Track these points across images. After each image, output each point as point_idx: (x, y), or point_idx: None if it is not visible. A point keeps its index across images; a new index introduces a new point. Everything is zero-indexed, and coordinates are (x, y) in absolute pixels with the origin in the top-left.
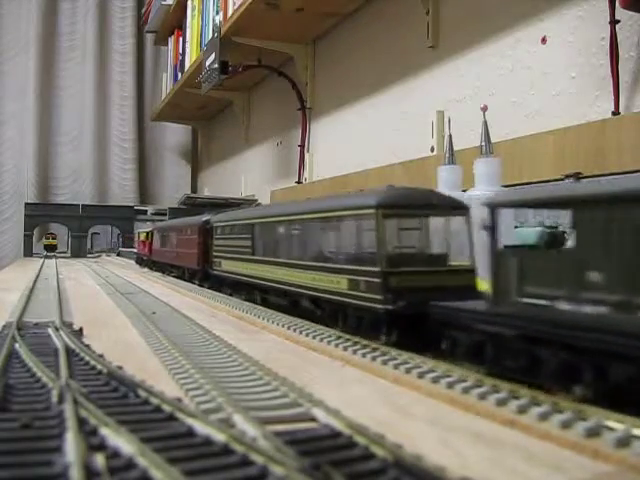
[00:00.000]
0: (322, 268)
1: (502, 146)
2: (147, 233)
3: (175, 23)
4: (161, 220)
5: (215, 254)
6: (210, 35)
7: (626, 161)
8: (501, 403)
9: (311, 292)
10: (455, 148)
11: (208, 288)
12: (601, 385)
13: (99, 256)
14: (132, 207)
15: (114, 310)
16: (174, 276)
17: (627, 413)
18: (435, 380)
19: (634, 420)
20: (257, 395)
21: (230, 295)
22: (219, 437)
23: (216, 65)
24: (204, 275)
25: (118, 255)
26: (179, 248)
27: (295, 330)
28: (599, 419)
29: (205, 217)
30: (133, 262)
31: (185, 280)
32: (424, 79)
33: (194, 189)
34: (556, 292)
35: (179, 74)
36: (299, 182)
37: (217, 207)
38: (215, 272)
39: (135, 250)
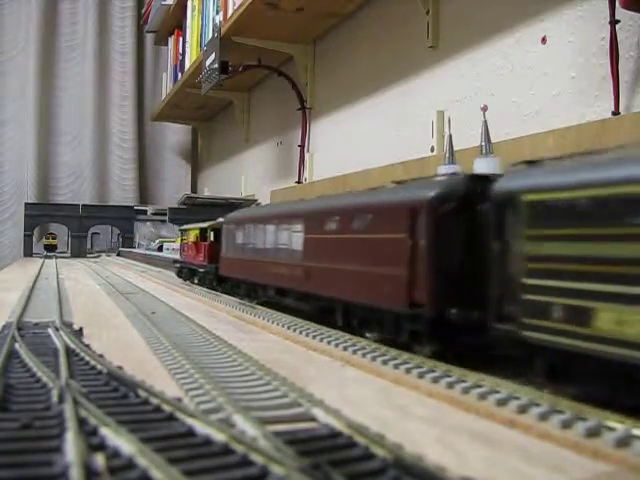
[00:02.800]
0: None
1: (502, 146)
2: (206, 230)
3: (175, 23)
4: (161, 220)
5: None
6: (210, 35)
7: None
8: (501, 403)
9: None
10: (455, 148)
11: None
12: None
13: (99, 256)
14: (132, 207)
15: (114, 310)
16: (282, 308)
17: (627, 413)
18: (435, 380)
19: (634, 420)
20: (257, 395)
21: None
22: (219, 437)
23: (216, 65)
24: (435, 333)
25: (118, 255)
26: (322, 260)
27: (295, 330)
28: (599, 419)
29: (445, 184)
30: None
31: (338, 327)
32: (424, 79)
33: (194, 189)
34: None
35: (179, 74)
36: (299, 182)
37: (217, 207)
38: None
39: (177, 256)
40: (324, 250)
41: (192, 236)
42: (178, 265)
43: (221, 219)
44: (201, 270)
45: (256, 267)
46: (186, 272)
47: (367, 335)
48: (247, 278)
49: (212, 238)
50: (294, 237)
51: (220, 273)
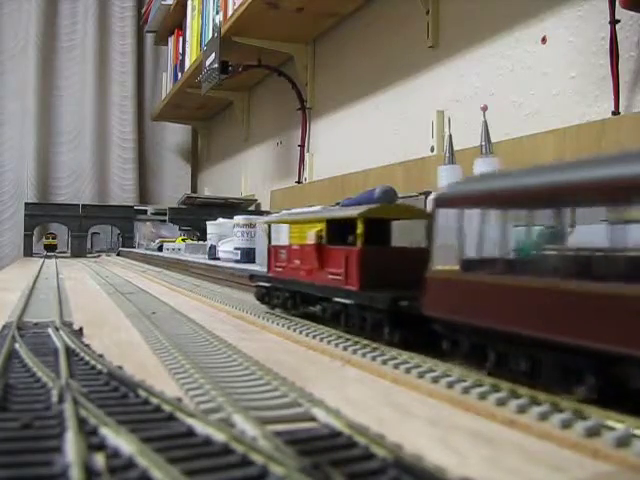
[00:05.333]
0: None
1: (502, 146)
2: (352, 222)
3: (175, 23)
4: (161, 220)
5: None
6: (210, 35)
7: None
8: (501, 403)
9: None
10: (455, 148)
11: None
12: None
13: (99, 256)
14: (132, 207)
15: (114, 310)
16: None
17: (627, 412)
18: (435, 380)
19: (634, 420)
20: (257, 395)
21: None
22: (219, 437)
23: (216, 65)
24: None
25: (118, 255)
26: None
27: (295, 330)
28: (599, 419)
29: None
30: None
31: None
32: (424, 79)
33: (194, 189)
34: None
35: (179, 74)
36: (299, 182)
37: (217, 207)
38: None
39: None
40: None
41: (306, 233)
42: (265, 284)
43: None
44: (340, 300)
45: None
46: (287, 297)
47: None
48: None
49: (364, 239)
50: None
51: (426, 312)
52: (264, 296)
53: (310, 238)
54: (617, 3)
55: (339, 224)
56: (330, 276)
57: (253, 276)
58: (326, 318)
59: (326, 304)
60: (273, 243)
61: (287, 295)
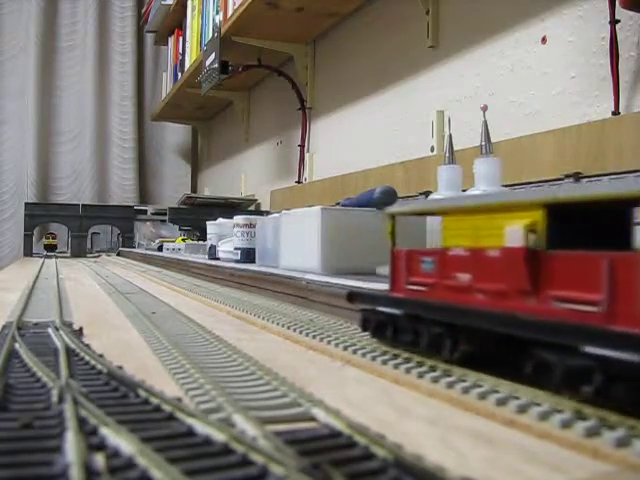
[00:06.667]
0: None
1: (502, 146)
2: None
3: (175, 23)
4: (161, 220)
5: None
6: (210, 35)
7: (626, 161)
8: (501, 403)
9: None
10: (455, 148)
11: None
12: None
13: (99, 256)
14: (132, 207)
15: (114, 310)
16: None
17: (627, 413)
18: (435, 380)
19: (634, 420)
20: (257, 395)
21: None
22: (219, 437)
23: (216, 65)
24: None
25: (118, 255)
26: None
27: (295, 330)
28: (599, 419)
29: None
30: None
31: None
32: (424, 79)
33: (194, 189)
34: None
35: (179, 74)
36: (299, 182)
37: (217, 207)
38: None
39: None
40: None
41: (503, 229)
42: (386, 310)
43: None
44: (601, 353)
45: None
46: (438, 334)
47: None
48: None
49: None
50: None
51: None
52: (383, 328)
53: (512, 237)
54: (617, 3)
55: (573, 214)
56: (562, 305)
57: (356, 295)
58: (553, 382)
59: (550, 356)
60: (413, 252)
61: (438, 331)
